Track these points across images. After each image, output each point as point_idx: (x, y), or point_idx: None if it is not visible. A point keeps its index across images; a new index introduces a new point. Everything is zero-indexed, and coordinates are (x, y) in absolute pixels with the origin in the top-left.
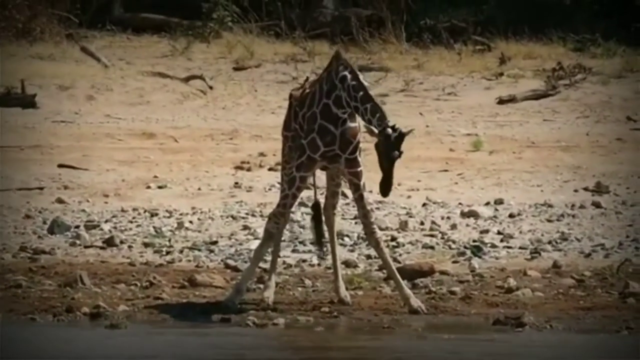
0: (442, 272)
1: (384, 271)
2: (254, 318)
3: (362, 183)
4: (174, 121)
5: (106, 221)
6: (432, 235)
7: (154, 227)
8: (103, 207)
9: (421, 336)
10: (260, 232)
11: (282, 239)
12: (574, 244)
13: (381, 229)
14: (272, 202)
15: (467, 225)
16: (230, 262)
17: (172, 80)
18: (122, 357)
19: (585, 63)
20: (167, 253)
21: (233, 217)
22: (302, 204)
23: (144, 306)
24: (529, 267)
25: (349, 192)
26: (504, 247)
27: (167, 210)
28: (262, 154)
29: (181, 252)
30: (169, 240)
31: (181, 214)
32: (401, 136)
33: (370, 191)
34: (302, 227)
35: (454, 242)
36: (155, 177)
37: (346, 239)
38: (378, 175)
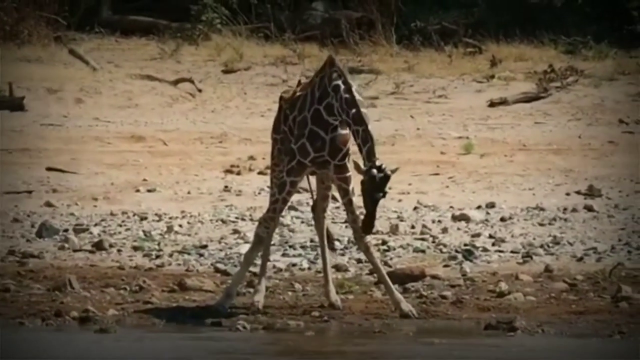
0: (433, 276)
1: (375, 275)
2: (244, 322)
3: (351, 188)
4: (163, 124)
5: (95, 225)
6: (423, 239)
7: (143, 231)
8: (92, 210)
9: (412, 341)
10: (250, 236)
11: (272, 242)
12: (566, 248)
13: (372, 233)
14: (262, 206)
15: (459, 229)
16: (220, 266)
17: (161, 83)
18: None
19: (577, 65)
20: (157, 257)
21: (223, 221)
22: (291, 208)
23: (133, 310)
24: (520, 271)
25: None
26: (496, 251)
27: (156, 214)
28: (251, 158)
29: (171, 256)
30: (159, 244)
31: (171, 218)
32: (386, 178)
33: (360, 195)
34: (292, 231)
35: (445, 246)
36: (145, 180)
37: (337, 243)
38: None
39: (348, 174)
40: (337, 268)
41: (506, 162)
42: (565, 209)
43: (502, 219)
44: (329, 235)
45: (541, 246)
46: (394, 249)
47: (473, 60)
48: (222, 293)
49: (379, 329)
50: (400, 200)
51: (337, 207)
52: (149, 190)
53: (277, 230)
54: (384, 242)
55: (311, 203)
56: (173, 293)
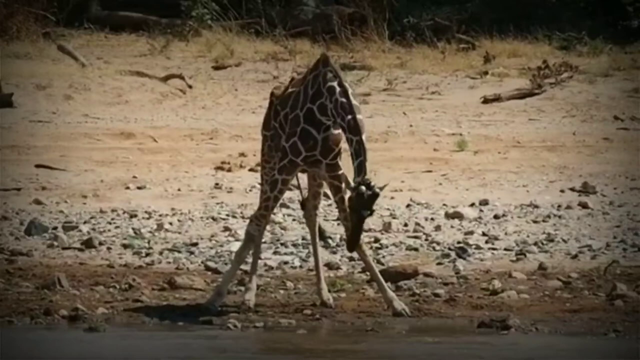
0: (426, 274)
1: (367, 273)
2: (236, 321)
3: (343, 185)
4: (153, 121)
5: (84, 222)
6: (416, 237)
7: (133, 229)
8: (81, 208)
9: (405, 339)
10: (241, 233)
11: (264, 240)
12: (560, 245)
13: (364, 231)
14: (253, 203)
15: (452, 226)
16: (211, 264)
17: (151, 79)
18: None
19: (572, 61)
20: (147, 255)
21: (213, 219)
22: (283, 206)
23: (123, 309)
24: (514, 269)
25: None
26: (489, 248)
27: (146, 212)
28: (242, 154)
29: (161, 253)
30: (149, 242)
31: (161, 215)
32: (375, 195)
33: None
34: (284, 228)
35: (438, 243)
36: (134, 177)
37: (328, 240)
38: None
39: (340, 172)
40: (329, 266)
41: (500, 159)
42: (559, 206)
43: (496, 217)
44: (321, 230)
45: (535, 244)
46: (387, 247)
47: (466, 57)
48: (213, 291)
49: (372, 328)
50: (392, 198)
51: (330, 205)
52: (138, 188)
53: (268, 228)
54: (377, 240)
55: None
56: (163, 291)
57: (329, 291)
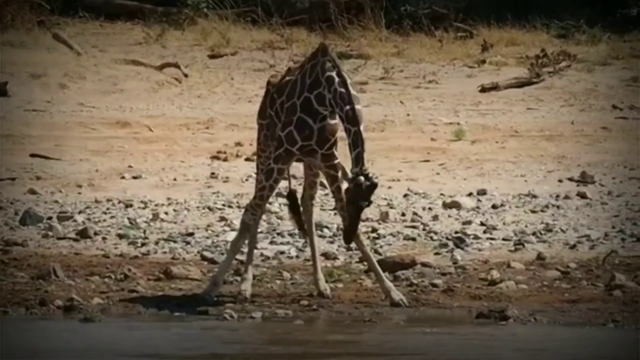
0: (424, 264)
1: (365, 263)
2: (232, 311)
3: (339, 175)
4: (149, 110)
5: (79, 212)
6: (413, 227)
7: (128, 219)
8: (76, 197)
9: (403, 330)
10: (237, 223)
11: (260, 230)
12: (559, 236)
13: (362, 221)
14: (249, 193)
15: (449, 216)
16: (207, 254)
17: (147, 68)
18: (96, 351)
19: (570, 50)
20: (142, 245)
21: (209, 208)
22: (279, 195)
23: (118, 299)
24: (512, 259)
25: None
26: (487, 238)
27: (142, 201)
28: (238, 144)
29: (156, 243)
30: (144, 232)
31: (156, 205)
32: (373, 186)
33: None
34: (280, 218)
35: (435, 233)
36: (130, 167)
37: (325, 230)
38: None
39: (336, 161)
40: (327, 256)
41: (498, 149)
42: (557, 196)
43: (494, 206)
44: (300, 221)
45: (533, 234)
46: (384, 237)
47: (464, 45)
48: (209, 282)
49: (369, 318)
50: (390, 188)
51: (326, 194)
52: (134, 177)
53: (264, 218)
54: (374, 230)
55: (287, 191)
56: (159, 281)
57: (326, 281)
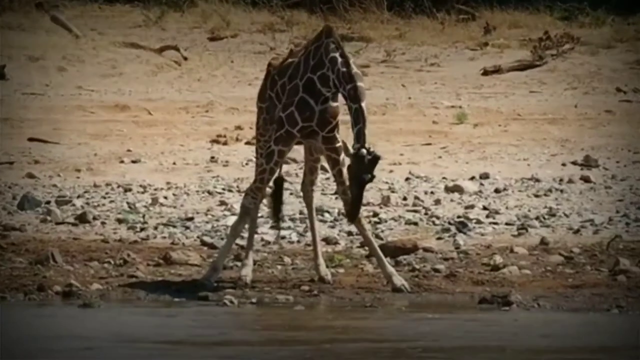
0: (426, 249)
1: (366, 248)
2: (232, 297)
3: (341, 158)
4: (148, 93)
5: (78, 197)
6: (415, 211)
7: (127, 203)
8: (75, 182)
9: (404, 315)
10: (238, 207)
11: (260, 215)
12: (562, 220)
13: (363, 205)
14: (250, 177)
15: (452, 200)
16: (207, 239)
17: (146, 51)
18: (96, 338)
19: (573, 32)
20: (142, 230)
21: (209, 193)
22: None
23: (117, 284)
24: (515, 244)
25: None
26: (490, 223)
27: (141, 186)
28: (238, 127)
29: (156, 228)
30: (143, 217)
31: (156, 189)
32: (375, 159)
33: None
34: (282, 202)
35: (438, 218)
36: (129, 151)
37: (326, 215)
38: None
39: (338, 145)
40: (327, 241)
41: (500, 132)
42: (561, 180)
43: (497, 190)
44: (278, 209)
45: (537, 218)
46: (386, 221)
47: (466, 28)
48: (209, 267)
49: (371, 304)
50: (391, 171)
51: (327, 178)
52: (133, 161)
53: (265, 202)
54: (375, 214)
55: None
56: (158, 267)
57: (327, 267)
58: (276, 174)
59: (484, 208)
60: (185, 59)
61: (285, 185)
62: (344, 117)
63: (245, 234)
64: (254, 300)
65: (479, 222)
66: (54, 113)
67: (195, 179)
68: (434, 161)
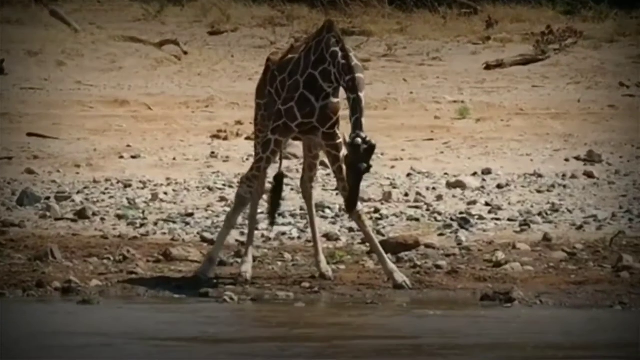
0: (428, 246)
1: (367, 244)
2: (232, 293)
3: (341, 154)
4: (148, 88)
5: (78, 192)
6: (417, 207)
7: (127, 199)
8: (74, 177)
9: (406, 312)
10: None
11: (260, 211)
12: (565, 216)
13: (364, 201)
14: None
15: (454, 196)
16: (207, 235)
17: (145, 45)
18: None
19: (576, 27)
20: (141, 225)
21: (209, 188)
22: None
23: (117, 281)
24: (518, 240)
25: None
26: (492, 219)
27: (140, 181)
28: (239, 122)
29: (156, 224)
30: (143, 212)
31: (155, 185)
32: (371, 148)
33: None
34: (282, 198)
35: (439, 214)
36: (129, 146)
37: (327, 211)
38: None
39: (338, 141)
40: (328, 237)
41: (503, 127)
42: (564, 176)
43: (499, 186)
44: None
45: (539, 214)
46: (387, 218)
47: (468, 22)
48: (204, 259)
49: (372, 300)
50: (393, 167)
51: (328, 174)
52: (133, 157)
53: (265, 198)
54: (377, 210)
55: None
56: (158, 263)
57: (328, 263)
58: (272, 163)
59: (487, 204)
60: (185, 53)
61: (286, 181)
62: (344, 112)
63: (245, 230)
64: (254, 297)
65: (481, 218)
66: (53, 108)
67: (196, 175)
68: (435, 157)
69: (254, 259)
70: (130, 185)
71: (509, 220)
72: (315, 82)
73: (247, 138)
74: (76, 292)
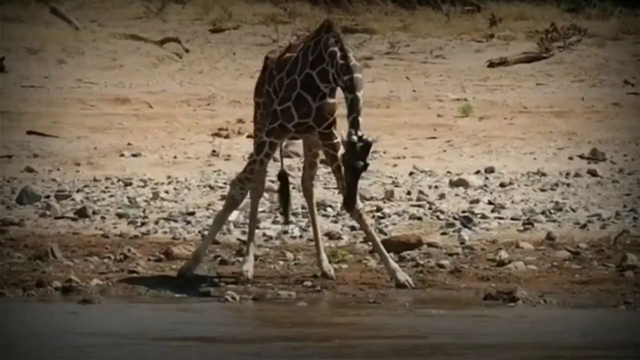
0: (430, 245)
1: (369, 243)
2: (233, 293)
3: (339, 154)
4: (149, 86)
5: (78, 191)
6: (419, 206)
7: (128, 197)
8: (74, 176)
9: (408, 311)
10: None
11: (262, 209)
12: (569, 215)
13: (366, 199)
14: None
15: (457, 195)
16: None
17: (146, 43)
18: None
19: (580, 24)
20: (142, 224)
21: (210, 187)
22: None
23: (118, 280)
24: (521, 239)
25: None
26: (495, 217)
27: (141, 180)
28: (240, 121)
29: (156, 223)
30: (144, 211)
31: (156, 184)
32: (367, 145)
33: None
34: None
35: (442, 212)
36: (129, 144)
37: (329, 209)
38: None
39: (336, 141)
40: (330, 236)
41: (506, 125)
42: (567, 174)
43: (502, 185)
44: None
45: (543, 213)
46: (389, 216)
47: (471, 19)
48: (191, 256)
49: (374, 300)
50: (395, 165)
51: (329, 172)
52: (133, 155)
53: (267, 196)
54: (379, 209)
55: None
56: (159, 262)
57: (330, 262)
58: (266, 166)
59: (489, 202)
60: (187, 51)
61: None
62: (342, 112)
63: (246, 229)
64: (255, 296)
65: (484, 216)
66: (53, 106)
67: (197, 173)
68: (438, 155)
69: (256, 257)
70: (131, 184)
71: (512, 219)
72: (313, 82)
73: (249, 136)
74: (77, 291)
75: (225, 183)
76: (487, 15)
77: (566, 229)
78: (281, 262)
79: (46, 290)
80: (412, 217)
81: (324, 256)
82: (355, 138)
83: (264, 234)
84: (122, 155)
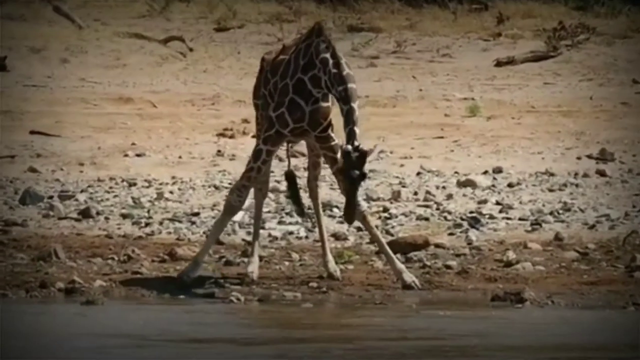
0: (437, 245)
1: (376, 244)
2: (238, 294)
3: (338, 156)
4: (153, 85)
5: (81, 191)
6: (426, 206)
7: (132, 198)
8: (78, 176)
9: (415, 313)
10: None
11: (267, 210)
12: (577, 215)
13: (373, 200)
14: None
15: (464, 195)
16: None
17: (150, 41)
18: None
19: (588, 22)
20: (146, 225)
21: (215, 187)
22: None
23: (121, 281)
24: (529, 240)
25: None
26: (503, 218)
27: (145, 180)
28: (245, 120)
29: (161, 223)
30: (148, 212)
31: (161, 184)
32: (363, 155)
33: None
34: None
35: (449, 213)
36: (133, 144)
37: (335, 210)
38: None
39: (333, 143)
40: (336, 237)
41: (514, 125)
42: (576, 174)
43: (510, 185)
44: (299, 200)
45: (551, 213)
46: (396, 217)
47: (479, 18)
48: (190, 262)
49: (381, 301)
50: (402, 165)
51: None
52: (137, 155)
53: (272, 197)
54: (386, 210)
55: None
56: (163, 263)
57: (336, 263)
58: (262, 173)
59: (497, 203)
60: (191, 50)
61: None
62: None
63: (251, 229)
64: (261, 297)
65: (491, 217)
66: (56, 105)
67: (201, 173)
68: (445, 155)
69: (261, 258)
70: (135, 184)
71: (520, 219)
72: (305, 86)
73: (254, 136)
74: (80, 292)
75: (230, 183)
76: (494, 13)
77: (574, 229)
78: (286, 263)
79: (49, 292)
80: (419, 217)
81: (330, 257)
82: (349, 147)
83: (269, 235)
84: (126, 155)
